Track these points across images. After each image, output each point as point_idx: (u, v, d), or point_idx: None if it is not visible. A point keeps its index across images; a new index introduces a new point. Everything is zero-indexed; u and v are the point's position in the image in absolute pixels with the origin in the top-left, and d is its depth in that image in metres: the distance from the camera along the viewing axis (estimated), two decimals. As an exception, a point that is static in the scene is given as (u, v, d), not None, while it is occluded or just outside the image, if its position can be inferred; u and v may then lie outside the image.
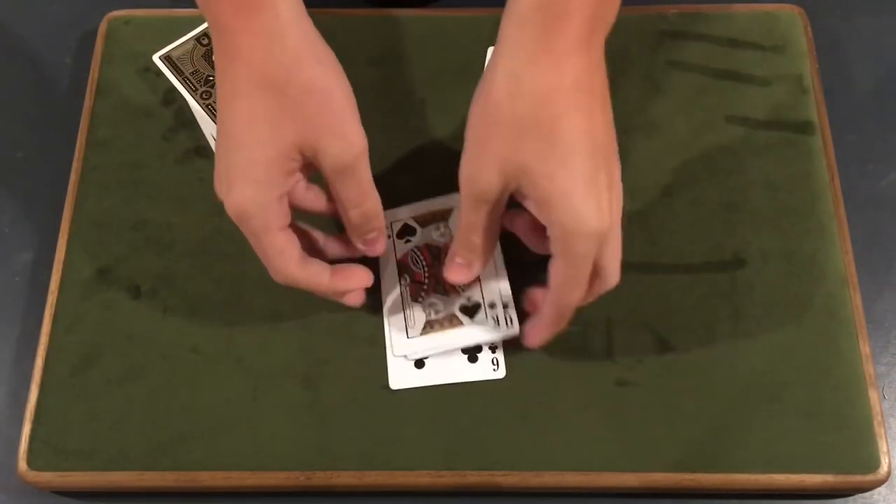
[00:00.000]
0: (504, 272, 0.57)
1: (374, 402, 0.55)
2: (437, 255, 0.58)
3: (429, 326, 0.56)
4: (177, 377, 0.56)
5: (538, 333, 0.53)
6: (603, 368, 0.56)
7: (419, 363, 0.56)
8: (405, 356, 0.56)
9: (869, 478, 0.53)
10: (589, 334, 0.57)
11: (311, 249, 0.55)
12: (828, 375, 0.55)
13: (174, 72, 0.62)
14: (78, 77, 0.67)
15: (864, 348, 0.56)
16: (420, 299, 0.57)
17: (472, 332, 0.56)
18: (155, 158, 0.62)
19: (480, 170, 0.48)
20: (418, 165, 0.62)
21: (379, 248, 0.55)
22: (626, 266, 0.58)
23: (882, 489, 0.55)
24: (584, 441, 0.54)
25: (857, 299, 0.57)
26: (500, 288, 0.56)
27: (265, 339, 0.57)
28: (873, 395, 0.55)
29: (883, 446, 0.54)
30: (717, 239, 0.59)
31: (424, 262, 0.58)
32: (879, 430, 0.54)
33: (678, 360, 0.56)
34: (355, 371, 0.56)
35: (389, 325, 0.57)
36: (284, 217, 0.51)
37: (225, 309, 0.58)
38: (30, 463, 0.55)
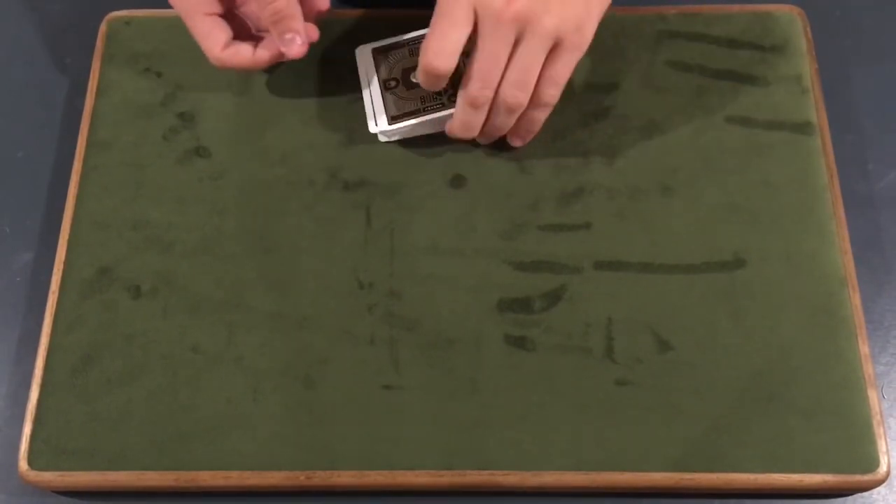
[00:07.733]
0: None
1: (374, 402, 0.55)
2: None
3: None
4: (177, 377, 0.56)
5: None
6: (603, 368, 0.56)
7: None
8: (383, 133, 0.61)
9: (868, 478, 0.53)
10: (589, 334, 0.57)
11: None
12: (827, 375, 0.55)
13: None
14: (78, 77, 0.67)
15: (864, 348, 0.56)
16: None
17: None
18: (155, 158, 0.62)
19: None
20: (418, 163, 0.62)
21: (295, 50, 0.58)
22: (626, 266, 0.58)
23: (881, 489, 0.55)
24: (584, 441, 0.54)
25: (856, 299, 0.57)
26: None
27: (265, 339, 0.57)
28: (872, 395, 0.55)
29: (882, 446, 0.54)
30: (717, 239, 0.59)
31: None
32: (879, 430, 0.54)
33: (678, 360, 0.56)
34: (355, 371, 0.56)
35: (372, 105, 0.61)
36: (211, 5, 0.58)
37: (225, 309, 0.58)
38: (30, 463, 0.55)
